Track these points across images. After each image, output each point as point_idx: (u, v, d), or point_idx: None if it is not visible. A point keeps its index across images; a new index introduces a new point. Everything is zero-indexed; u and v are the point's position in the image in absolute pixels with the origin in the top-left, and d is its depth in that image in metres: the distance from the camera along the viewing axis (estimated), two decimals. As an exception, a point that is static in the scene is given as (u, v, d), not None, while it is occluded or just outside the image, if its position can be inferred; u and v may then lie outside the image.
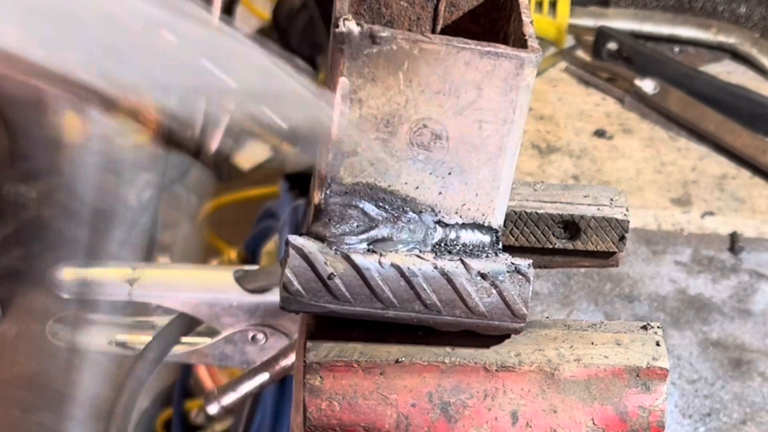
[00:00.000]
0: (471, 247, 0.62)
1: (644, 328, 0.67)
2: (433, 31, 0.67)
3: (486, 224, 0.62)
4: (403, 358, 0.61)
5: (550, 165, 1.43)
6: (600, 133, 1.52)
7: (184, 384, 2.13)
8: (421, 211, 0.61)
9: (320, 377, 0.61)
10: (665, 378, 0.64)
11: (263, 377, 0.94)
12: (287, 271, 0.58)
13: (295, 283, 0.58)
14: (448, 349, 0.63)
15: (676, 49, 1.78)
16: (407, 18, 0.67)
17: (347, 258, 0.58)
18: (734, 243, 1.32)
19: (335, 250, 0.58)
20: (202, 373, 2.05)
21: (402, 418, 0.61)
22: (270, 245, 2.01)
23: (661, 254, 1.29)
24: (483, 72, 0.56)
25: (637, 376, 0.63)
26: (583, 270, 1.23)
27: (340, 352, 0.61)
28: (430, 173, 0.59)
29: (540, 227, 0.70)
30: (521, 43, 0.59)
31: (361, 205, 0.60)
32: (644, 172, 1.45)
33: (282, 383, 1.50)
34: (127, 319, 1.06)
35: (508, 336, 0.64)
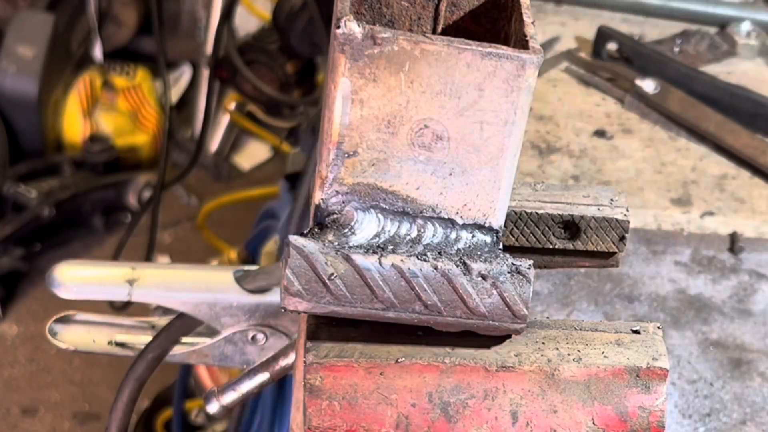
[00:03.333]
0: (471, 247, 0.62)
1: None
2: (434, 31, 0.67)
3: (487, 225, 0.62)
4: (403, 358, 0.61)
5: (550, 165, 1.43)
6: (600, 133, 1.52)
7: (184, 384, 2.13)
8: (422, 212, 0.61)
9: (320, 377, 0.61)
10: (665, 378, 0.64)
11: (263, 377, 0.94)
12: (288, 272, 0.58)
13: (296, 283, 0.58)
14: (448, 349, 0.63)
15: (676, 49, 1.78)
16: (408, 18, 0.67)
17: (348, 258, 0.58)
18: (734, 243, 1.32)
19: (336, 250, 0.59)
20: (202, 373, 2.05)
21: (402, 418, 0.61)
22: (270, 245, 2.01)
23: (661, 254, 1.29)
24: (484, 73, 0.56)
25: (637, 376, 0.63)
26: (583, 270, 1.23)
27: (340, 352, 0.61)
28: (431, 174, 0.59)
29: (540, 227, 0.70)
30: (522, 43, 0.59)
31: (361, 206, 0.60)
32: (644, 173, 1.45)
33: (282, 383, 1.50)
34: (127, 319, 1.06)
35: (508, 336, 0.64)
